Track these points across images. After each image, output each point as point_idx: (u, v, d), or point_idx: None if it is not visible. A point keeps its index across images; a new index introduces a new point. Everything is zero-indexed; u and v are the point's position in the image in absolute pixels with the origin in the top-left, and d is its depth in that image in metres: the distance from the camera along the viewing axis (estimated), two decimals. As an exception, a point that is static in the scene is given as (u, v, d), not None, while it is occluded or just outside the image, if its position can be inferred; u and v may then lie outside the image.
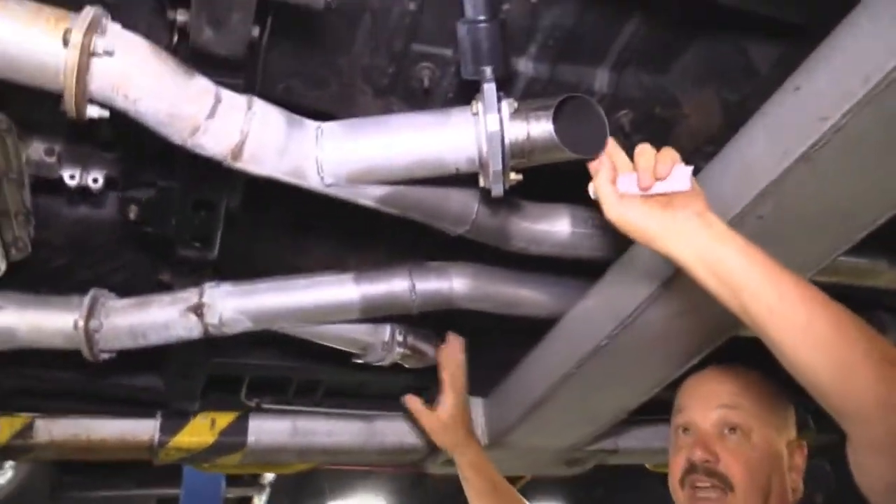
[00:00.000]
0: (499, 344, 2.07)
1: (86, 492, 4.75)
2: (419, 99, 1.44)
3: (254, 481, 5.03)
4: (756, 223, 1.29)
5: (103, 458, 1.99)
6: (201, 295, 1.64)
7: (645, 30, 1.40)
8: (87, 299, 1.64)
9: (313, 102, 1.44)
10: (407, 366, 1.92)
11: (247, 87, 1.27)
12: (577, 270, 1.76)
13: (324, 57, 1.37)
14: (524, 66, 1.41)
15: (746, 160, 1.26)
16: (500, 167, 1.27)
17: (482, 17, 1.25)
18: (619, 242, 1.61)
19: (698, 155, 1.56)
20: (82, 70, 1.06)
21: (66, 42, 1.05)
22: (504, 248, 1.56)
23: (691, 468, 1.41)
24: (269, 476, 5.17)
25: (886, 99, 1.06)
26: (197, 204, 1.45)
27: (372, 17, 1.31)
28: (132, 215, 1.51)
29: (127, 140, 1.44)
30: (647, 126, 1.54)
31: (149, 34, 1.26)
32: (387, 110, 1.45)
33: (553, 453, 2.20)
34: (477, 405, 2.11)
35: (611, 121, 1.50)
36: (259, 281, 1.67)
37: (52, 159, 1.46)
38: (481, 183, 1.31)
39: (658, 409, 2.45)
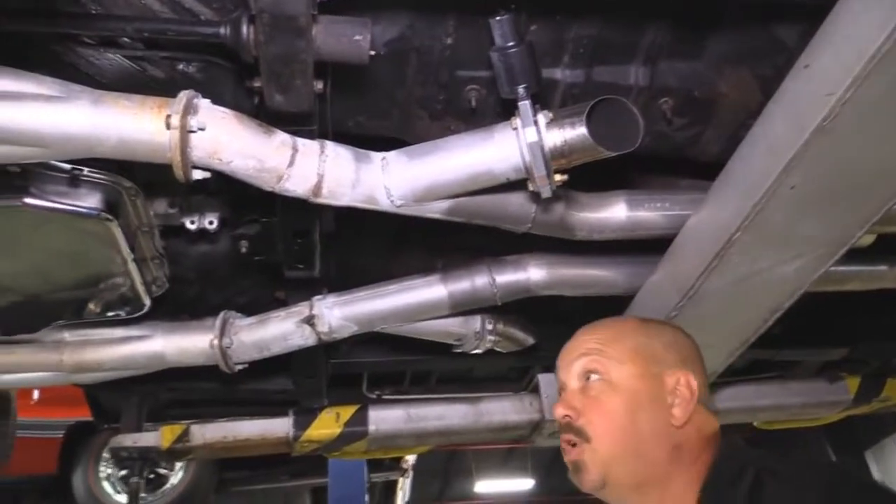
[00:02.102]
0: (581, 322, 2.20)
1: (246, 486, 5.25)
2: (470, 117, 1.61)
3: (395, 465, 5.36)
4: (790, 193, 1.38)
5: (248, 454, 2.30)
6: (311, 308, 1.89)
7: (670, 25, 1.51)
8: (218, 321, 1.93)
9: (379, 132, 1.65)
10: (502, 350, 2.10)
11: (321, 131, 1.49)
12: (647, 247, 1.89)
13: (383, 93, 1.56)
14: (560, 74, 1.55)
15: (769, 138, 1.35)
16: (543, 172, 1.42)
17: (510, 44, 1.41)
18: (676, 220, 1.72)
19: (743, 129, 1.65)
20: (183, 145, 1.31)
21: (168, 125, 1.30)
22: (569, 239, 1.71)
23: (559, 430, 1.33)
24: (410, 460, 5.49)
25: (884, 71, 1.13)
26: (295, 233, 1.69)
27: (417, 54, 1.49)
28: (244, 249, 1.77)
29: (231, 187, 1.70)
30: (688, 110, 1.64)
31: (234, 101, 1.51)
32: (444, 130, 1.63)
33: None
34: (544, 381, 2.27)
35: (651, 109, 1.63)
36: (358, 290, 1.90)
37: (175, 210, 1.74)
38: (530, 187, 1.47)
39: (757, 368, 2.53)
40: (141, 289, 1.75)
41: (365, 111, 1.60)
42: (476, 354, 2.21)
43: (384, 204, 1.51)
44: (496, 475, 12.57)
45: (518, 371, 2.54)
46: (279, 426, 2.30)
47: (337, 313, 1.88)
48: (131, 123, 1.31)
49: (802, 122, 1.26)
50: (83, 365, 1.90)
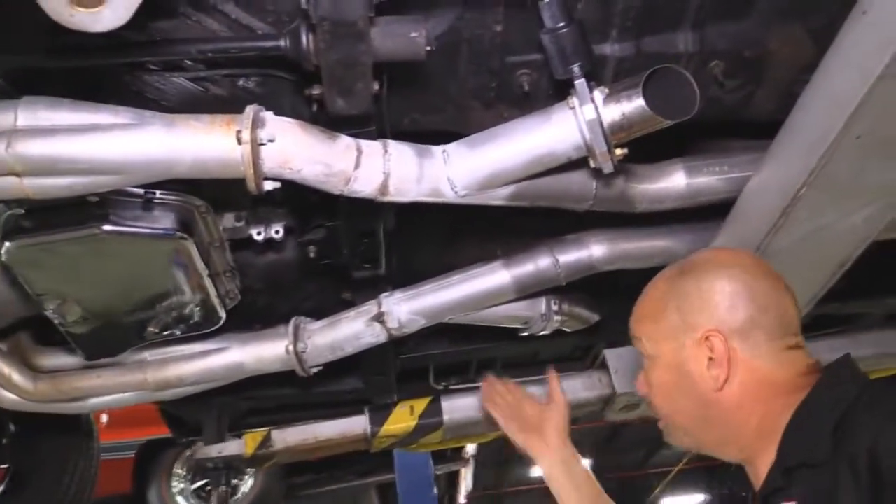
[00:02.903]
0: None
1: (314, 489, 5.34)
2: (523, 104, 1.63)
3: (457, 456, 5.41)
4: (856, 143, 1.38)
5: (329, 454, 2.35)
6: (380, 305, 1.92)
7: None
8: (290, 328, 1.97)
9: (434, 126, 1.67)
10: (568, 330, 2.12)
11: (379, 130, 1.52)
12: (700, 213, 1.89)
13: (436, 88, 1.58)
14: (610, 49, 1.56)
15: (831, 88, 1.35)
16: (604, 148, 1.44)
17: (561, 24, 1.42)
18: (736, 182, 1.73)
19: (797, 85, 1.65)
20: (255, 158, 1.35)
21: (239, 140, 1.34)
22: (631, 212, 1.72)
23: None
24: (470, 450, 5.54)
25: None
26: (361, 234, 1.73)
27: (468, 45, 1.51)
28: (312, 254, 1.81)
29: (294, 195, 1.74)
30: (739, 71, 1.64)
31: (293, 110, 1.55)
32: (497, 118, 1.64)
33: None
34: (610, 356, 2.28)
35: (703, 73, 1.63)
36: (423, 284, 1.93)
37: (241, 223, 1.78)
38: (592, 164, 1.49)
39: (822, 324, 2.51)
40: (216, 303, 1.80)
41: (419, 107, 1.62)
42: (540, 337, 2.23)
43: (449, 196, 1.54)
44: (552, 458, 12.65)
45: (582, 350, 2.56)
46: (357, 424, 2.35)
47: (405, 308, 1.91)
48: (204, 142, 1.35)
49: (864, 71, 1.26)
50: (166, 382, 1.96)
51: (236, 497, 4.89)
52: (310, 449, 2.31)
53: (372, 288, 1.99)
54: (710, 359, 1.24)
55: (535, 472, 12.79)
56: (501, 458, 12.04)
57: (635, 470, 13.71)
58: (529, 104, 1.62)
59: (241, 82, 1.51)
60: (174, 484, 4.81)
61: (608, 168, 1.48)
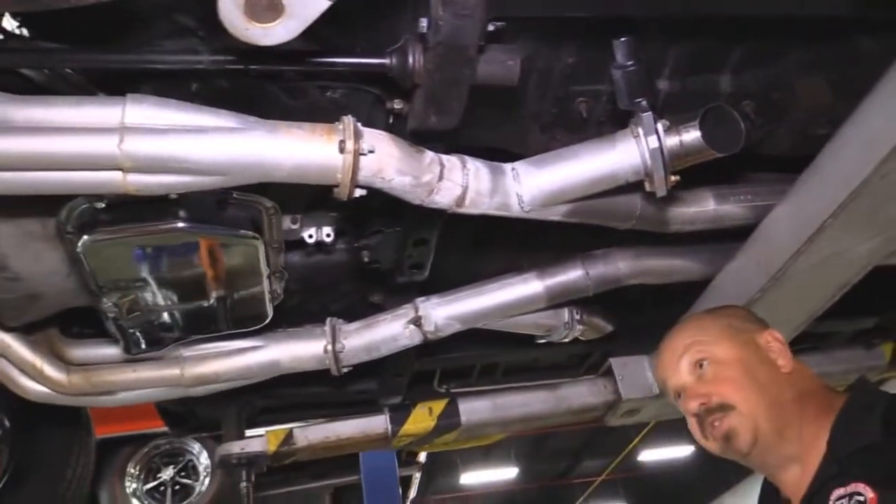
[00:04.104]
0: (658, 306, 2.38)
1: (269, 490, 5.32)
2: (577, 128, 1.76)
3: (412, 461, 5.48)
4: (881, 182, 1.57)
5: (348, 451, 2.42)
6: (417, 309, 2.02)
7: (756, 40, 1.69)
8: (328, 328, 2.04)
9: (489, 143, 1.78)
10: (584, 339, 2.26)
11: (454, 147, 1.62)
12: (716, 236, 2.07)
13: (501, 109, 1.70)
14: (662, 84, 1.72)
15: (867, 133, 1.54)
16: (662, 174, 1.59)
17: (630, 63, 1.57)
18: (758, 210, 1.91)
19: (813, 127, 1.85)
20: (355, 167, 1.43)
21: (342, 149, 1.42)
22: (663, 233, 1.88)
23: (700, 420, 1.48)
24: (423, 457, 5.62)
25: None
26: (416, 242, 1.82)
27: (538, 74, 1.64)
28: (366, 258, 1.89)
29: (350, 202, 1.82)
30: (768, 110, 1.82)
31: (369, 121, 1.63)
32: (551, 141, 1.78)
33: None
34: (643, 361, 2.44)
35: (735, 111, 1.81)
36: (459, 290, 2.04)
37: (296, 226, 1.85)
38: (647, 188, 1.63)
39: (795, 340, 2.74)
40: (267, 302, 1.86)
41: (483, 125, 1.73)
42: (541, 345, 2.38)
43: (515, 210, 1.65)
44: (480, 466, 12.83)
45: (578, 358, 2.70)
46: (377, 424, 2.42)
47: (442, 313, 2.01)
48: (305, 150, 1.43)
49: (900, 121, 1.45)
50: (202, 378, 2.00)
51: (190, 499, 4.85)
52: (331, 447, 2.37)
53: (403, 292, 2.08)
54: (776, 350, 1.50)
55: (464, 479, 12.95)
56: (433, 465, 12.15)
57: (559, 479, 14.07)
58: (583, 130, 1.76)
59: (328, 93, 1.59)
60: (127, 484, 4.72)
61: (662, 192, 1.63)
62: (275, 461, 2.37)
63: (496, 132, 1.76)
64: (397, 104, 1.56)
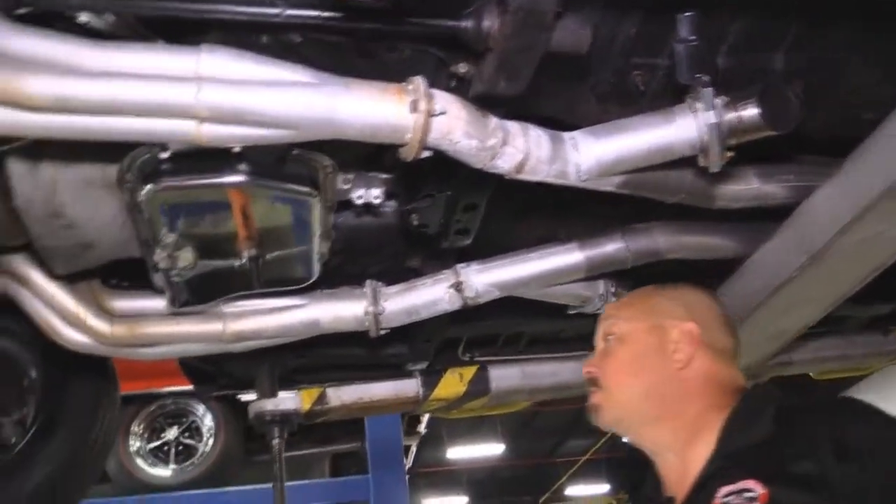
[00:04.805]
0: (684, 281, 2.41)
1: (268, 455, 5.36)
2: (631, 101, 1.78)
3: (412, 431, 5.54)
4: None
5: (379, 413, 2.45)
6: (457, 275, 2.04)
7: (809, 17, 1.71)
8: (368, 290, 2.07)
9: (544, 112, 1.80)
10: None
11: (513, 114, 1.64)
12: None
13: (560, 78, 1.72)
14: (719, 61, 1.74)
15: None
16: (717, 150, 1.62)
17: (693, 37, 1.59)
18: (799, 191, 1.94)
19: (854, 109, 1.88)
20: (426, 128, 1.45)
21: (414, 109, 1.43)
22: (708, 208, 1.91)
23: (587, 384, 1.63)
24: (422, 427, 5.68)
25: None
26: (466, 207, 1.85)
27: (601, 43, 1.65)
28: (415, 222, 1.91)
29: (403, 163, 1.83)
30: (816, 90, 1.84)
31: (432, 84, 1.64)
32: (604, 113, 1.80)
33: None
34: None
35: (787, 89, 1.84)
36: (500, 258, 2.07)
37: (348, 186, 1.87)
38: (700, 163, 1.66)
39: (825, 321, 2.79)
40: (316, 261, 1.88)
41: (540, 93, 1.75)
42: (566, 317, 2.42)
43: (571, 179, 1.68)
44: (467, 441, 12.96)
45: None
46: (409, 387, 2.46)
47: (482, 279, 2.04)
48: (378, 108, 1.44)
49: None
50: (243, 334, 2.02)
51: (194, 458, 4.88)
52: (364, 407, 2.41)
53: (441, 258, 2.11)
54: (682, 344, 1.53)
55: (450, 453, 13.08)
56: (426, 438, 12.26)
57: (545, 458, 14.25)
58: (637, 104, 1.78)
59: (394, 54, 1.60)
60: (131, 443, 4.75)
61: (716, 168, 1.66)
62: (307, 419, 2.40)
63: (552, 101, 1.77)
64: (462, 68, 1.57)
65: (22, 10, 1.42)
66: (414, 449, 6.03)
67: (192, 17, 1.46)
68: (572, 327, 2.66)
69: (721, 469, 1.34)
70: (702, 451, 1.39)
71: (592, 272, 2.08)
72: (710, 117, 1.59)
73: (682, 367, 1.50)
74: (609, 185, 1.73)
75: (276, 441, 2.44)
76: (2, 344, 2.38)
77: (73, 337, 2.00)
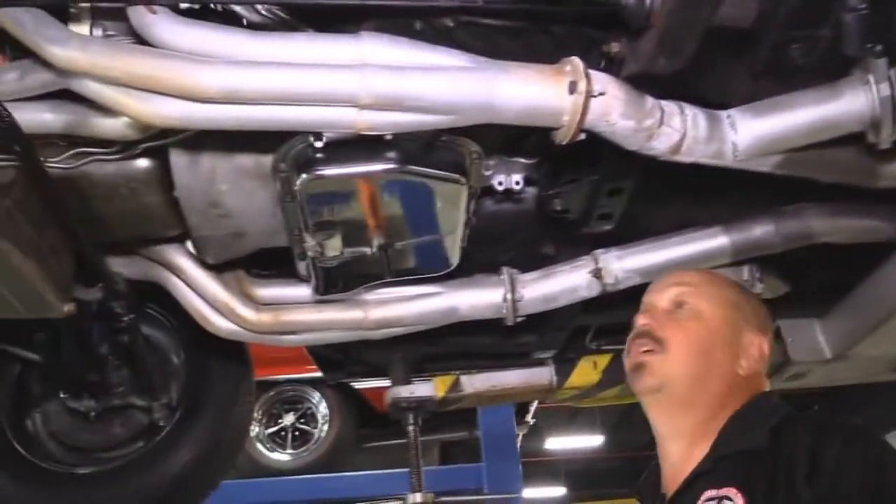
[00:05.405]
0: (826, 268, 2.30)
1: (380, 441, 5.47)
2: (788, 76, 1.69)
3: (520, 421, 5.52)
4: None
5: (511, 401, 2.45)
6: (596, 261, 2.01)
7: None
8: (505, 277, 2.05)
9: (696, 91, 1.74)
10: (765, 297, 2.21)
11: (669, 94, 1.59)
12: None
13: (719, 54, 1.65)
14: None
15: None
16: (891, 125, 1.52)
17: (863, 5, 1.50)
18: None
19: None
20: (584, 109, 1.42)
21: (572, 90, 1.41)
22: (869, 187, 1.81)
23: (636, 337, 1.47)
24: (531, 416, 5.65)
25: None
26: (611, 191, 1.81)
27: (761, 15, 1.57)
28: (557, 207, 1.88)
29: (551, 149, 1.81)
30: None
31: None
32: (758, 90, 1.72)
33: (888, 361, 2.43)
34: (814, 325, 2.38)
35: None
36: (641, 243, 2.02)
37: (489, 172, 1.86)
38: (870, 139, 1.57)
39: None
40: (457, 248, 1.88)
41: (693, 71, 1.69)
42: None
43: (728, 159, 1.62)
44: (565, 432, 12.86)
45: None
46: (542, 375, 2.45)
47: (622, 265, 2.00)
48: (535, 91, 1.42)
49: None
50: (383, 322, 2.04)
51: (310, 443, 5.02)
52: (496, 395, 2.41)
53: (578, 244, 2.07)
54: (750, 355, 1.44)
55: (548, 443, 13.01)
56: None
57: (644, 450, 13.96)
58: (793, 78, 1.70)
59: (544, 35, 1.58)
60: (252, 428, 4.92)
61: (886, 144, 1.56)
62: (441, 406, 2.42)
63: (705, 79, 1.71)
64: (614, 47, 1.53)
65: (184, 5, 1.48)
66: (520, 438, 6.00)
67: (358, 6, 1.48)
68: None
69: (710, 471, 1.34)
70: (704, 448, 1.38)
71: (738, 257, 2.00)
72: (884, 90, 1.50)
73: (744, 375, 1.44)
74: (766, 164, 1.66)
75: (411, 427, 2.46)
76: (149, 331, 2.49)
77: (221, 324, 2.07)
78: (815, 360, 2.35)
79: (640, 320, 1.49)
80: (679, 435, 1.42)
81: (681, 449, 1.41)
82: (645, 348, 1.43)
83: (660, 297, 1.51)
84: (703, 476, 1.33)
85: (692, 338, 1.42)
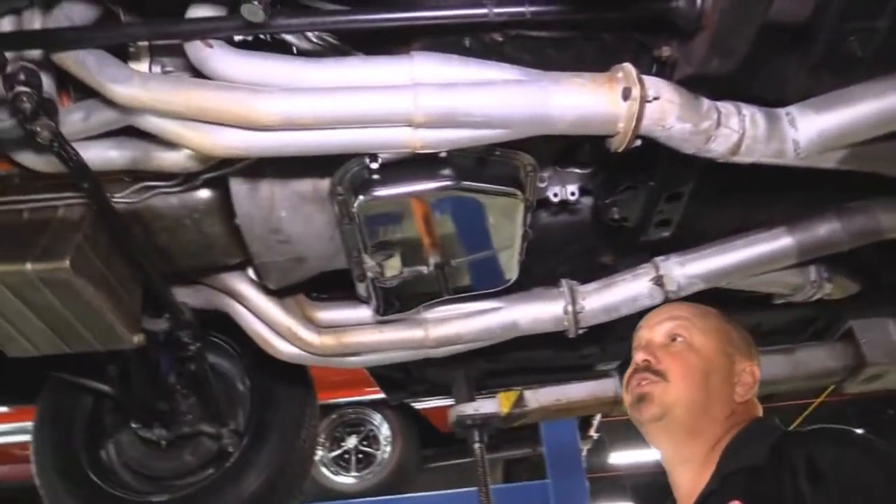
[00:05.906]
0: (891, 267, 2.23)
1: (443, 461, 5.45)
2: (846, 70, 1.65)
3: (584, 435, 5.45)
4: None
5: (577, 415, 2.42)
6: (657, 268, 1.98)
7: None
8: (565, 289, 2.03)
9: (751, 90, 1.70)
10: (835, 297, 2.15)
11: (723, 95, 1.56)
12: None
13: (773, 51, 1.62)
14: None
15: None
16: (959, 113, 1.47)
17: (926, -9, 1.45)
18: None
19: None
20: (640, 115, 1.41)
21: (626, 97, 1.40)
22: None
23: (634, 373, 1.55)
24: (594, 431, 5.57)
25: None
26: (670, 197, 1.78)
27: (816, 8, 1.54)
28: (615, 216, 1.86)
29: (605, 157, 1.79)
30: None
31: (634, 69, 1.60)
32: (816, 85, 1.67)
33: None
34: (888, 324, 2.30)
35: None
36: (702, 248, 1.98)
37: (544, 185, 1.85)
38: (936, 129, 1.52)
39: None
40: (516, 263, 1.87)
41: (746, 70, 1.66)
42: (764, 309, 2.29)
43: (789, 157, 1.58)
44: (630, 446, 12.59)
45: (802, 324, 2.58)
46: (607, 387, 2.42)
47: (684, 272, 1.96)
48: (589, 100, 1.41)
49: None
50: (445, 339, 2.04)
51: (373, 465, 5.03)
52: (561, 409, 2.39)
53: (634, 253, 2.04)
54: (744, 381, 1.56)
55: (613, 458, 12.77)
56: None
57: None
58: (852, 72, 1.65)
59: (592, 42, 1.57)
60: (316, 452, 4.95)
61: (951, 133, 1.51)
62: (507, 422, 2.40)
63: (760, 77, 1.67)
64: (665, 51, 1.52)
65: (238, 38, 1.51)
66: (584, 453, 5.91)
67: (405, 26, 1.49)
68: (771, 319, 2.52)
69: (717, 489, 1.42)
70: (711, 469, 1.45)
71: (805, 257, 1.95)
72: (957, 77, 1.45)
73: (741, 401, 1.54)
74: (830, 161, 1.62)
75: (477, 445, 2.45)
76: (214, 359, 2.53)
77: (285, 349, 2.10)
78: (892, 360, 2.27)
79: (639, 356, 1.57)
80: (687, 461, 1.50)
81: (690, 476, 1.49)
82: (645, 381, 1.53)
83: (655, 333, 1.61)
84: (711, 496, 1.42)
85: (690, 367, 1.52)
